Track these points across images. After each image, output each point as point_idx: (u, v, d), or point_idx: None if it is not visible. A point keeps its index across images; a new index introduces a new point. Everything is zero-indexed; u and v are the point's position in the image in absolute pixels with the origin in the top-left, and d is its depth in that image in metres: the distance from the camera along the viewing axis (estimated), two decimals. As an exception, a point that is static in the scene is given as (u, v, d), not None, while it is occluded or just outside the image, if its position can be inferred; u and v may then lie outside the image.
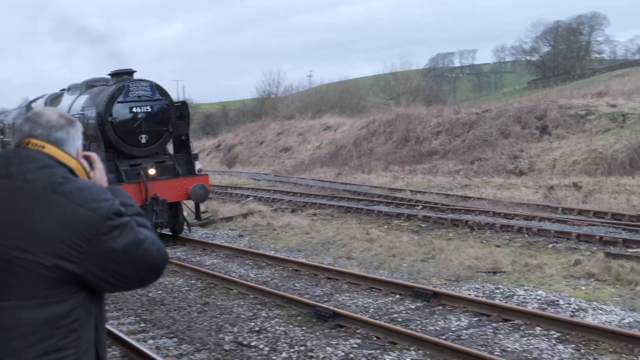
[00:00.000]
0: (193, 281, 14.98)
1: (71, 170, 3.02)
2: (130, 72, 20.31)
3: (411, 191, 28.36)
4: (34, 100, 25.72)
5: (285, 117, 63.28)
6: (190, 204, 20.92)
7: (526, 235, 17.65)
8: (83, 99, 20.81)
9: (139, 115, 19.37)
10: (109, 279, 2.88)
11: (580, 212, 20.60)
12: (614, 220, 18.98)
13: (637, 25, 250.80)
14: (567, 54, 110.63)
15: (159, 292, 14.21)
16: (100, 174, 3.27)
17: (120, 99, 19.19)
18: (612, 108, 37.33)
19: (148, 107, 19.53)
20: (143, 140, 19.51)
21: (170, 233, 20.69)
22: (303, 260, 15.93)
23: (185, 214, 20.76)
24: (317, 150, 49.72)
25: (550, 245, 16.44)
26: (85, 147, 19.46)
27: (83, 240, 2.82)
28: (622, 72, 77.16)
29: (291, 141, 55.08)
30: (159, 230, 20.12)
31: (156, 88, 19.80)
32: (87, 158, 3.26)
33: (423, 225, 20.36)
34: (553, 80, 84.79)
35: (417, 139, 42.41)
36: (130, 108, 19.33)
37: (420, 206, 23.54)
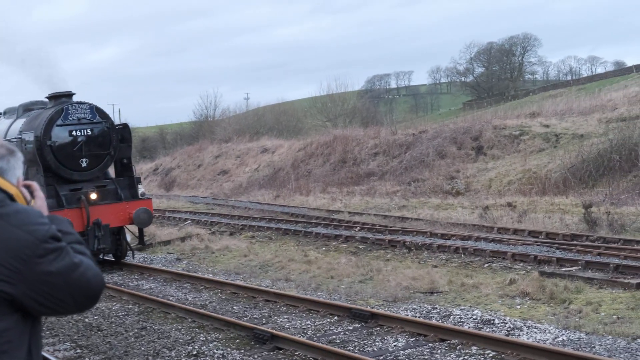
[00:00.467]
0: (130, 306, 14.86)
1: (11, 197, 3.05)
2: (69, 95, 19.75)
3: (349, 213, 28.49)
4: None
5: (222, 139, 63.14)
6: (133, 228, 20.57)
7: (462, 255, 17.84)
8: (20, 122, 20.22)
9: (79, 139, 18.87)
10: (45, 302, 2.90)
11: (516, 231, 20.88)
12: (548, 240, 19.26)
13: (568, 46, 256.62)
14: (500, 75, 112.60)
15: (96, 317, 14.07)
16: (41, 202, 3.29)
17: (59, 122, 18.69)
18: (545, 128, 38.00)
19: (88, 130, 19.04)
20: (84, 164, 18.99)
21: (113, 259, 20.18)
22: (241, 283, 15.92)
23: (128, 238, 20.43)
24: (255, 172, 49.70)
25: (486, 265, 16.65)
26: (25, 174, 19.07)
27: (19, 262, 2.83)
28: (555, 93, 78.62)
29: (229, 164, 54.96)
30: (101, 257, 19.84)
31: (96, 110, 19.35)
32: (28, 187, 3.29)
33: (361, 246, 20.46)
34: (487, 101, 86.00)
35: (354, 160, 42.64)
36: (70, 131, 18.82)
37: (358, 227, 23.65)
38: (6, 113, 22.38)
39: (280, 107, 77.90)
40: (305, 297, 13.81)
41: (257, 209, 33.60)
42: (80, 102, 19.34)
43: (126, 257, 20.20)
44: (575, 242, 18.46)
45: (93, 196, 18.76)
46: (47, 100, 20.33)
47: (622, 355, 9.52)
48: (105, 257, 20.15)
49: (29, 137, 18.63)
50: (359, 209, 29.74)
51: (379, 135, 44.11)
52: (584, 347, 9.96)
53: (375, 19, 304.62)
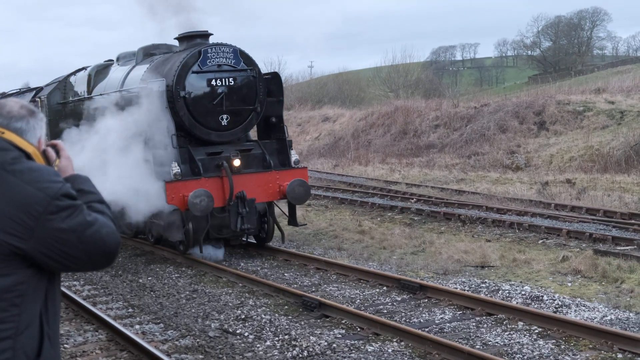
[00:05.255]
0: (184, 268, 15.09)
1: (28, 155, 3.12)
2: (205, 35, 16.20)
3: (407, 184, 28.43)
4: (74, 73, 20.68)
5: (284, 107, 63.19)
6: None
7: (517, 231, 17.71)
8: (141, 69, 16.72)
9: (219, 90, 15.39)
10: (57, 257, 2.98)
11: (573, 208, 20.64)
12: (605, 218, 19.02)
13: (639, 22, 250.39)
14: (568, 49, 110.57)
15: (150, 278, 14.33)
16: (66, 162, 3.36)
17: (195, 68, 15.22)
18: (610, 105, 37.35)
19: (231, 80, 15.51)
20: (224, 122, 15.53)
21: (254, 242, 16.91)
22: (293, 251, 16.02)
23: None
24: (316, 141, 49.77)
25: (540, 241, 16.52)
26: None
27: (29, 218, 2.92)
28: (623, 69, 77.18)
29: (290, 132, 54.91)
30: (245, 239, 16.74)
31: (241, 55, 15.72)
32: (54, 146, 3.36)
33: (416, 218, 20.43)
34: (553, 75, 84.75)
35: (415, 132, 42.45)
36: (209, 80, 15.34)
37: (415, 199, 23.61)
38: (120, 59, 19.04)
39: (344, 76, 77.66)
40: (355, 267, 13.87)
41: (316, 177, 33.66)
42: (222, 44, 15.72)
43: (280, 242, 16.59)
44: (632, 222, 18.19)
45: (236, 163, 15.24)
46: (173, 44, 17.31)
47: (670, 337, 9.41)
48: (247, 240, 16.96)
49: (157, 86, 15.12)
50: (417, 181, 29.69)
51: (440, 108, 43.82)
52: (632, 327, 9.86)
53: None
